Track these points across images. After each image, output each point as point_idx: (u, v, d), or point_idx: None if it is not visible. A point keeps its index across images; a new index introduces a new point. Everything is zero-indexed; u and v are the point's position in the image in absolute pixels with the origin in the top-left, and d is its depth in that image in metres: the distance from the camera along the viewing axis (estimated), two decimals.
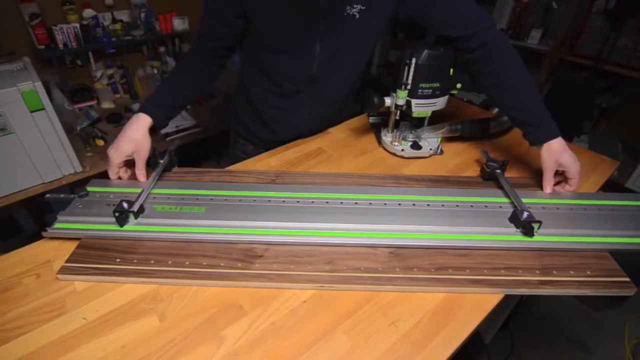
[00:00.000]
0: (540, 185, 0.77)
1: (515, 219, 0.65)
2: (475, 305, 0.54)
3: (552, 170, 0.73)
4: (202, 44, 0.83)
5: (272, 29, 0.78)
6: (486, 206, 0.70)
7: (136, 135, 0.73)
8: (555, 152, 0.72)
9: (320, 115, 0.96)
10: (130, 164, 0.75)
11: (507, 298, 0.56)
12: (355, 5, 0.75)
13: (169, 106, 0.80)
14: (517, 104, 0.76)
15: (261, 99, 0.93)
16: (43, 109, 1.21)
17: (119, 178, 0.75)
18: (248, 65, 0.92)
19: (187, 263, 0.58)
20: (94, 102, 1.87)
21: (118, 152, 0.71)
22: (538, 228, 0.62)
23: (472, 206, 0.69)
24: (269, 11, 0.75)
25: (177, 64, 0.88)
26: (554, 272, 0.58)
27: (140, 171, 0.74)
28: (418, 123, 0.92)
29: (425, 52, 0.76)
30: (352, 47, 0.83)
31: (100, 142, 1.60)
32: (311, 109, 0.92)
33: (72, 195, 0.69)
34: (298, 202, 0.69)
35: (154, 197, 0.69)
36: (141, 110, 0.76)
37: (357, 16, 0.76)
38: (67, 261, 0.58)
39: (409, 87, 0.80)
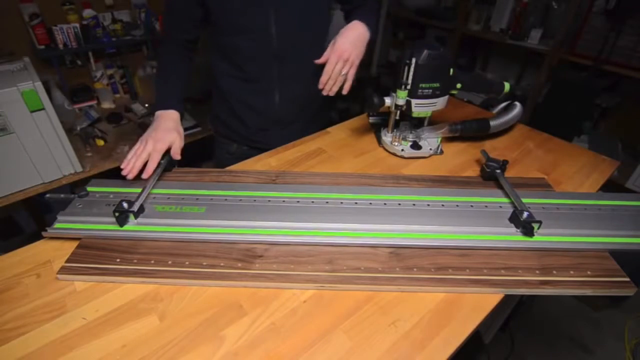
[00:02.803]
0: (541, 185, 0.77)
1: (515, 219, 0.65)
2: (475, 305, 0.54)
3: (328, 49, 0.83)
4: (170, 39, 0.88)
5: (226, 7, 0.81)
6: (486, 206, 0.70)
7: (174, 125, 0.79)
8: (340, 32, 0.83)
9: (293, 96, 0.96)
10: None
11: (507, 298, 0.56)
12: None
13: (182, 98, 0.85)
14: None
15: (231, 87, 0.94)
16: (43, 109, 1.21)
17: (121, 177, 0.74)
18: (214, 56, 0.94)
19: (187, 263, 0.58)
20: (94, 102, 1.87)
21: (163, 141, 0.74)
22: (538, 228, 0.62)
23: (472, 206, 0.69)
24: None
25: (162, 61, 0.91)
26: (554, 272, 0.58)
27: (179, 155, 0.78)
28: (418, 123, 0.92)
29: (425, 52, 0.76)
30: (308, 13, 0.85)
31: (100, 142, 1.60)
32: (281, 91, 0.93)
33: (72, 195, 0.69)
34: (298, 202, 0.69)
35: (154, 197, 0.69)
36: (167, 107, 0.81)
37: None
38: (67, 261, 0.58)
39: (409, 87, 0.80)
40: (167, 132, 0.76)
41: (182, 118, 0.83)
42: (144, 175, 0.70)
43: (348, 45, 0.81)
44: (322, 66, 0.97)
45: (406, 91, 0.80)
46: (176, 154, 0.77)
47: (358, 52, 0.83)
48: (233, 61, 0.89)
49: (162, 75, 0.87)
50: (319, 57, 0.96)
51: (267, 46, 0.85)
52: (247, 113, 0.96)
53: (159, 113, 0.81)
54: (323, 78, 0.82)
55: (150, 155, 0.72)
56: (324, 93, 0.84)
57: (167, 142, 0.75)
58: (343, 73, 0.82)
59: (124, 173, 0.71)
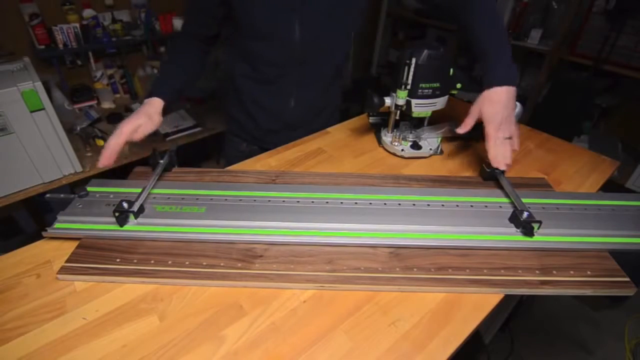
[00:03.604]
0: (541, 185, 0.77)
1: (515, 219, 0.65)
2: (475, 305, 0.54)
3: (473, 114, 0.76)
4: (189, 32, 0.87)
5: (249, 11, 0.79)
6: (486, 206, 0.70)
7: (151, 110, 0.77)
8: (485, 98, 0.74)
9: (308, 100, 0.95)
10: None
11: (507, 298, 0.56)
12: None
13: (175, 90, 0.84)
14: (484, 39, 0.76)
15: (247, 88, 0.93)
16: (43, 109, 1.22)
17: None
18: (232, 56, 0.93)
19: (187, 263, 0.58)
20: (94, 102, 1.87)
21: (129, 123, 0.73)
22: (538, 228, 0.62)
23: (472, 206, 0.69)
24: None
25: (170, 52, 0.90)
26: (554, 272, 0.58)
27: (140, 136, 0.74)
28: (418, 123, 0.92)
29: (425, 52, 0.76)
30: (334, 22, 0.83)
31: (100, 142, 1.60)
32: (298, 94, 0.92)
33: (72, 195, 0.69)
34: (298, 202, 0.69)
35: (154, 197, 0.69)
36: (152, 95, 0.80)
37: None
38: (67, 261, 0.58)
39: (409, 87, 0.80)
40: (136, 115, 0.75)
41: (167, 107, 0.81)
42: (102, 161, 0.70)
43: (500, 109, 0.72)
44: (341, 69, 0.95)
45: (406, 91, 0.80)
46: (137, 135, 0.74)
47: (510, 113, 0.73)
48: (252, 63, 0.89)
49: (164, 65, 0.88)
50: (341, 60, 0.94)
51: (290, 52, 0.84)
52: (260, 114, 0.96)
53: (145, 101, 0.80)
54: (494, 159, 0.73)
55: (116, 135, 0.71)
56: (503, 168, 0.74)
57: (133, 124, 0.73)
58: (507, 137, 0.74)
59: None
